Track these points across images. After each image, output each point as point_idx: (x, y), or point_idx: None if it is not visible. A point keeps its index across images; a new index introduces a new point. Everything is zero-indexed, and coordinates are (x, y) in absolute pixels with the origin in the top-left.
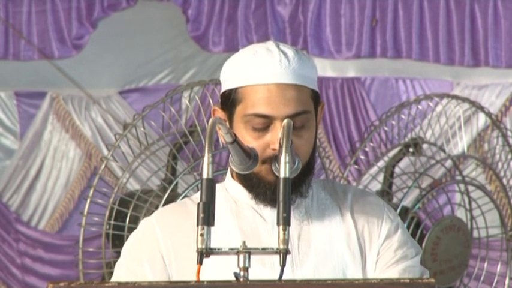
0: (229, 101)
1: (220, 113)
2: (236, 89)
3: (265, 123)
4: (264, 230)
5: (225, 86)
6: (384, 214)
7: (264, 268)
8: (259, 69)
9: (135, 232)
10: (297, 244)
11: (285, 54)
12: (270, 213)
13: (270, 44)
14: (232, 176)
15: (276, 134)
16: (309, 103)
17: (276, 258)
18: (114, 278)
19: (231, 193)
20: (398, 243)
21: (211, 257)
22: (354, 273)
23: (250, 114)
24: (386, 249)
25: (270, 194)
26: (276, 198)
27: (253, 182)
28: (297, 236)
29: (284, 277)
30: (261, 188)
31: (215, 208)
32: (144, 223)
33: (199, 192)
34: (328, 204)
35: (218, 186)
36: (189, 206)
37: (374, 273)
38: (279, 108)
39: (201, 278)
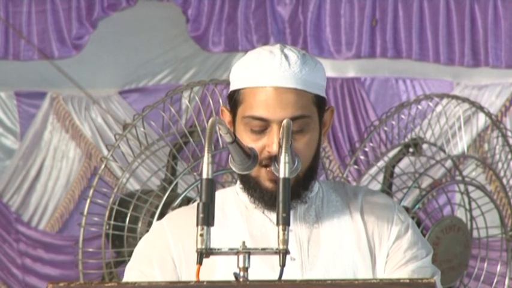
0: (232, 101)
1: (226, 113)
2: (239, 90)
3: (262, 125)
4: (274, 234)
5: (231, 86)
6: (394, 215)
7: (273, 273)
8: (260, 71)
9: (146, 235)
10: (306, 247)
11: (286, 57)
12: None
13: (275, 47)
14: (241, 181)
15: (272, 137)
16: (309, 108)
17: (287, 262)
18: (126, 280)
19: (241, 197)
20: (408, 244)
21: (224, 258)
22: (364, 275)
23: (248, 116)
24: (396, 251)
25: (267, 199)
26: (273, 204)
27: (251, 185)
28: (307, 239)
29: None
30: (258, 193)
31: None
32: (155, 226)
33: None
34: (339, 206)
35: (230, 189)
36: None
37: (383, 274)
38: (275, 111)
39: (214, 279)
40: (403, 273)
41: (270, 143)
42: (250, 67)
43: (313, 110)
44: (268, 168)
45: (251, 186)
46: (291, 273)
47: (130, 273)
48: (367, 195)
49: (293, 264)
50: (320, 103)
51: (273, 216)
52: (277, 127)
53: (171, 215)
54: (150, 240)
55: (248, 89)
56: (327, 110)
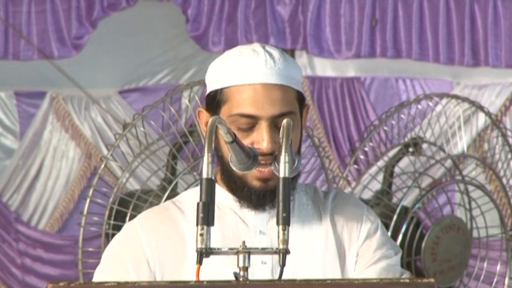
0: (215, 102)
1: (205, 115)
2: (221, 89)
3: (250, 123)
4: (246, 235)
5: (210, 87)
6: (363, 216)
7: (250, 276)
8: (245, 69)
9: (118, 236)
10: None
11: (270, 54)
12: (253, 219)
13: (256, 45)
14: (216, 180)
15: (261, 133)
16: (294, 104)
17: (255, 261)
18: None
19: (216, 197)
20: (377, 244)
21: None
22: (333, 276)
23: (236, 114)
24: (365, 250)
25: (255, 199)
26: (261, 204)
27: (237, 185)
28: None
29: None
30: (245, 192)
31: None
32: (127, 227)
33: (182, 195)
34: (309, 209)
35: None
36: (170, 210)
37: (354, 274)
38: (264, 108)
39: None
40: (373, 271)
41: (259, 139)
42: (232, 66)
43: (297, 106)
44: (258, 168)
45: (238, 186)
46: (263, 277)
47: (103, 276)
48: (337, 198)
49: (264, 267)
50: (301, 99)
51: (247, 217)
52: (266, 123)
53: (143, 215)
54: (123, 241)
55: (234, 87)
56: (304, 107)
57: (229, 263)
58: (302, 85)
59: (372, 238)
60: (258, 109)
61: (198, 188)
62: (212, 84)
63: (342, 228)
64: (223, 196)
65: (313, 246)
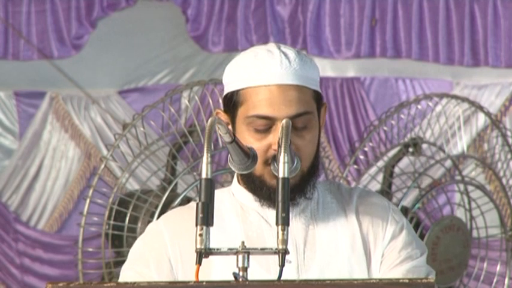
0: (231, 103)
1: (223, 116)
2: (238, 91)
3: (267, 124)
4: (269, 235)
5: (227, 88)
6: (389, 216)
7: (269, 275)
8: (260, 70)
9: (142, 236)
10: (302, 249)
11: (285, 55)
12: (274, 217)
13: (271, 46)
14: (239, 181)
15: (278, 134)
16: (311, 104)
17: None
18: (122, 281)
19: (237, 198)
20: (402, 244)
21: (220, 257)
22: (359, 276)
23: (252, 115)
24: (391, 251)
25: (274, 197)
26: None
27: (256, 184)
28: (303, 240)
29: None
30: (264, 192)
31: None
32: (152, 227)
33: None
34: (334, 207)
35: (225, 190)
36: (195, 209)
37: (379, 274)
38: (280, 109)
39: (210, 279)
40: (398, 272)
41: (276, 141)
42: (248, 67)
43: (314, 105)
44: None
45: (257, 186)
46: (287, 275)
47: (126, 274)
48: (361, 196)
49: (289, 266)
50: (318, 99)
51: (269, 216)
52: None
53: (168, 215)
54: (147, 240)
55: (250, 88)
56: (322, 106)
57: (254, 263)
58: (319, 84)
59: (397, 238)
60: (274, 110)
61: (222, 189)
62: (229, 85)
63: (368, 227)
64: (245, 196)
65: (339, 245)
